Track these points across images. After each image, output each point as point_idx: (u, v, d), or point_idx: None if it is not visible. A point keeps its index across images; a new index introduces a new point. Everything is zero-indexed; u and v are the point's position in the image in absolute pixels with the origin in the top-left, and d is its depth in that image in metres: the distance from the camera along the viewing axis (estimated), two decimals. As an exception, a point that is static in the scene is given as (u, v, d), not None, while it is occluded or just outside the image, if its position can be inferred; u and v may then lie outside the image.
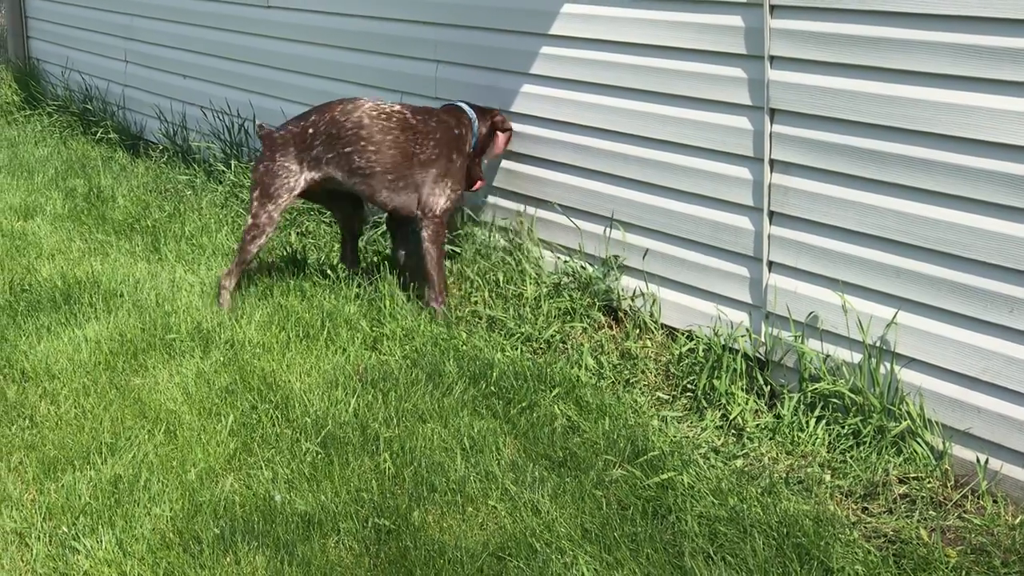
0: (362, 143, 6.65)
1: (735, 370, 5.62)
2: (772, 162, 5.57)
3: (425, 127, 6.75)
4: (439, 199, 6.70)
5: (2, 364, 6.09)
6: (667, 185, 6.14)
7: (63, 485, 4.89)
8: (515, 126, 6.95)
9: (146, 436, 5.27)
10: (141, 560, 4.36)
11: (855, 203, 5.25)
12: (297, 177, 6.71)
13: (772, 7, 5.44)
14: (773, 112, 5.53)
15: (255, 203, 6.75)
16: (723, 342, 5.78)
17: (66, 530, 4.57)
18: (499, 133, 6.94)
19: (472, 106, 6.92)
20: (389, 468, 4.95)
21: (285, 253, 7.57)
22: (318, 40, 8.72)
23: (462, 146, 6.80)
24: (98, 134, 11.54)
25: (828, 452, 5.10)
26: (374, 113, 6.72)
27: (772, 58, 5.49)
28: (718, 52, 5.76)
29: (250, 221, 6.76)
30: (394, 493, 4.78)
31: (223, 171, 9.35)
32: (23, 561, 4.42)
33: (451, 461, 5.01)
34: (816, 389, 5.32)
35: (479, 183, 6.98)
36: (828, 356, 5.42)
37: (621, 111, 6.32)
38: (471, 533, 4.52)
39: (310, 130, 6.70)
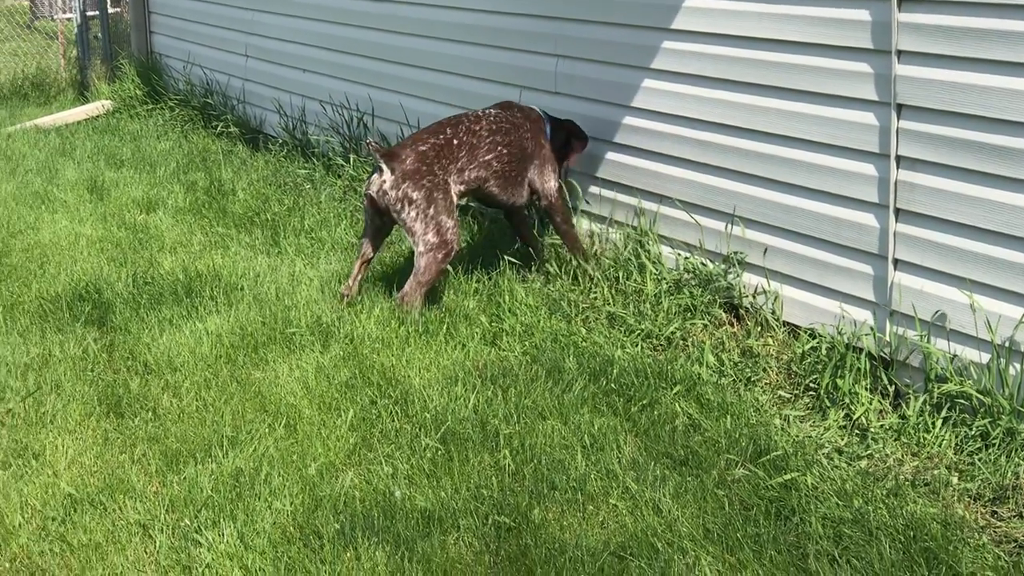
0: (498, 148, 6.77)
1: (859, 369, 5.54)
2: (899, 158, 5.48)
3: (519, 123, 6.95)
4: (550, 182, 7.00)
5: (126, 356, 6.15)
6: (789, 181, 6.07)
7: (185, 477, 4.92)
8: (636, 121, 6.92)
9: (267, 430, 5.30)
10: (262, 554, 4.38)
11: (984, 200, 5.15)
12: (454, 189, 6.65)
13: (900, 1, 5.36)
14: (900, 108, 5.44)
15: (434, 221, 6.44)
16: (846, 341, 5.70)
17: (188, 522, 4.61)
18: (575, 142, 7.20)
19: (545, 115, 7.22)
20: (509, 465, 4.94)
21: (403, 248, 7.57)
22: (437, 34, 8.73)
23: (543, 133, 7.10)
24: (218, 128, 11.65)
25: (955, 454, 5.01)
26: (492, 118, 6.86)
27: (900, 53, 5.40)
28: (843, 47, 5.68)
29: (434, 240, 6.43)
30: (514, 490, 4.76)
31: (342, 165, 9.40)
32: (146, 553, 4.45)
33: (571, 458, 4.98)
34: (943, 390, 5.23)
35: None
36: (955, 356, 5.32)
37: (743, 106, 6.25)
38: (592, 532, 4.49)
39: (454, 141, 6.67)
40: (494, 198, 6.95)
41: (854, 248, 5.77)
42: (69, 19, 16.36)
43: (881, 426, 5.26)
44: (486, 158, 6.76)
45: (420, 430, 5.25)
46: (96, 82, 14.52)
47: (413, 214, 6.43)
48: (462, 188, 6.70)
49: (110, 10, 15.29)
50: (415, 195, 6.43)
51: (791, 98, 5.98)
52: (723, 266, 6.43)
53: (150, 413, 5.53)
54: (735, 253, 6.38)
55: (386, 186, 6.47)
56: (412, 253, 6.52)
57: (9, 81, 15.41)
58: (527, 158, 6.95)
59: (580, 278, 6.85)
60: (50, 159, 10.87)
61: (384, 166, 6.49)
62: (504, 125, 6.88)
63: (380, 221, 6.71)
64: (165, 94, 13.12)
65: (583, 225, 7.34)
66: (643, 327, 6.25)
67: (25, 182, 9.94)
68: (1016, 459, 4.87)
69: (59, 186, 9.75)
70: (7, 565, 4.40)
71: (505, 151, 6.82)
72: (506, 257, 7.09)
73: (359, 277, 6.79)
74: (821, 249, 5.95)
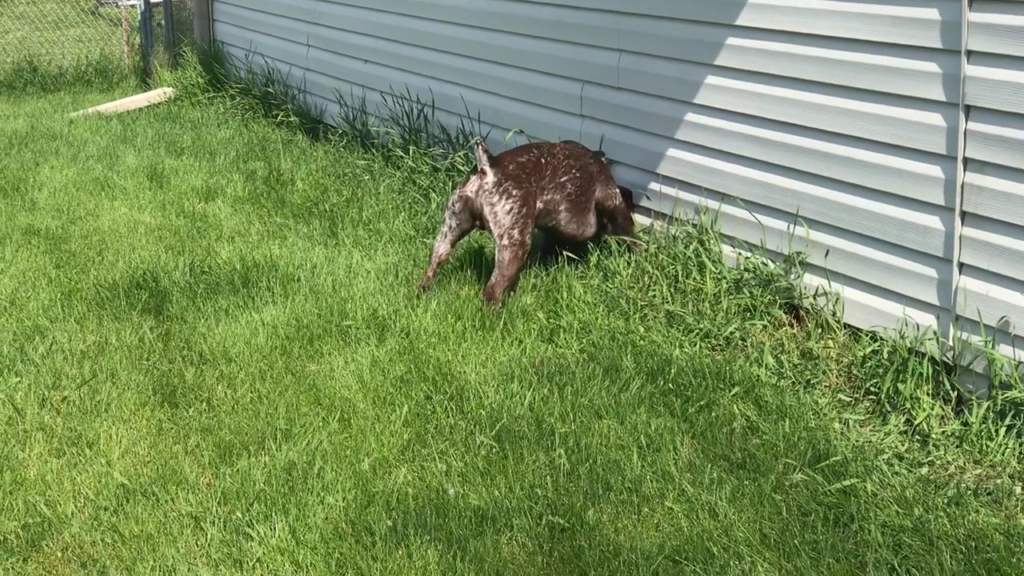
0: (572, 171, 7.00)
1: (921, 374, 5.45)
2: (966, 160, 5.39)
3: (583, 152, 7.23)
4: (615, 190, 7.30)
5: (181, 346, 6.15)
6: (853, 182, 5.99)
7: (238, 470, 4.91)
8: (699, 118, 6.86)
9: (320, 423, 5.28)
10: (313, 549, 4.35)
11: (1053, 205, 5.07)
12: (536, 201, 6.78)
13: (971, 0, 5.27)
14: (968, 109, 5.34)
15: (523, 220, 6.62)
16: (909, 344, 5.62)
17: (240, 516, 4.58)
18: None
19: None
20: (564, 464, 4.89)
21: (463, 243, 7.53)
22: (499, 27, 8.69)
23: (602, 163, 7.34)
24: (279, 117, 11.66)
25: (1019, 463, 4.92)
26: (564, 146, 7.13)
27: (969, 53, 5.30)
28: (910, 46, 5.59)
29: (519, 237, 6.58)
30: (568, 490, 4.71)
31: (401, 156, 9.37)
32: (198, 545, 4.43)
33: (627, 459, 4.93)
34: (1007, 397, 5.13)
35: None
36: (1020, 363, 5.23)
37: (807, 105, 6.17)
38: (646, 534, 4.44)
39: (542, 160, 6.87)
40: (560, 227, 7.04)
41: (918, 251, 5.68)
42: (133, 6, 16.44)
43: (943, 433, 5.18)
44: (562, 179, 6.95)
45: (475, 427, 5.21)
46: (158, 69, 14.57)
47: (507, 207, 6.60)
48: (541, 206, 6.82)
49: (174, -3, 15.35)
50: (515, 192, 6.64)
51: (857, 97, 5.89)
52: (784, 266, 6.35)
53: (204, 404, 5.52)
54: (797, 253, 6.30)
55: (488, 186, 6.64)
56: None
57: (73, 67, 15.50)
58: (593, 182, 7.12)
59: (639, 276, 6.79)
60: (111, 146, 10.91)
61: (488, 168, 6.66)
62: (575, 152, 7.11)
63: (467, 224, 6.82)
64: (226, 82, 13.16)
65: (647, 222, 7.28)
66: (702, 326, 6.19)
67: (86, 168, 9.98)
68: (1081, 470, 4.79)
69: (119, 173, 9.78)
70: (59, 554, 4.39)
71: (578, 175, 7.01)
72: (565, 253, 7.04)
73: (433, 280, 6.85)
74: (884, 251, 5.87)
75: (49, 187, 9.35)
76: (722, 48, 6.64)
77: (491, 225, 6.63)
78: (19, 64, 15.38)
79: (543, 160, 6.89)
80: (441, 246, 6.84)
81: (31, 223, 8.37)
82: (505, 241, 6.57)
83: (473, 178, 6.72)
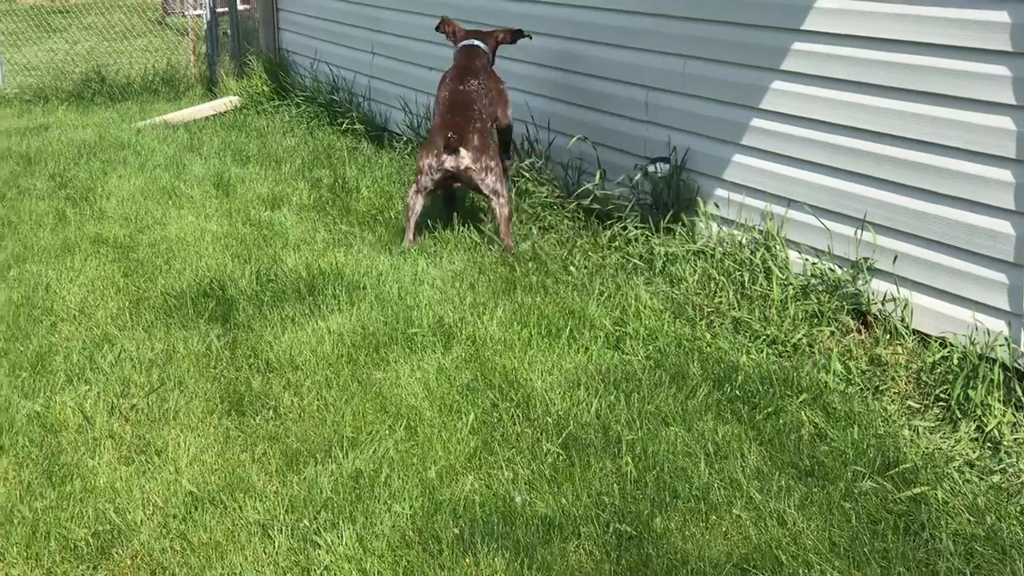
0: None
1: (992, 380, 5.39)
2: (1036, 164, 5.34)
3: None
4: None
5: (248, 354, 6.17)
6: (921, 186, 5.94)
7: (305, 478, 4.91)
8: (765, 123, 6.83)
9: (387, 431, 5.28)
10: (381, 558, 4.35)
11: None
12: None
13: (1041, 2, 5.22)
14: (1039, 112, 5.30)
15: (504, 179, 7.93)
16: (979, 351, 5.56)
17: (307, 524, 4.59)
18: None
19: (478, 35, 8.58)
20: (631, 472, 4.87)
21: (527, 248, 7.52)
22: (562, 33, 8.68)
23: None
24: (344, 124, 11.69)
25: (1092, 470, 4.87)
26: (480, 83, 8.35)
27: (1039, 56, 5.26)
28: (980, 49, 5.54)
29: (505, 194, 7.85)
30: (635, 498, 4.69)
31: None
32: (265, 553, 4.44)
33: (694, 466, 4.90)
34: (1080, 403, 5.08)
35: None
36: (1093, 369, 5.18)
37: (874, 109, 6.13)
38: (714, 543, 4.41)
39: (482, 116, 8.14)
40: None
41: (989, 256, 5.63)
42: (199, 16, 16.54)
43: (1015, 440, 5.12)
44: (487, 106, 8.17)
45: (541, 434, 5.20)
46: (224, 78, 14.67)
47: (492, 178, 7.80)
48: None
49: (240, 7, 15.45)
50: (492, 163, 7.84)
51: (926, 101, 5.84)
52: (851, 272, 6.31)
53: (271, 412, 5.54)
54: (864, 259, 6.26)
55: (467, 161, 7.79)
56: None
57: (140, 77, 15.63)
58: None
59: (705, 282, 6.76)
60: (178, 154, 10.99)
61: (462, 149, 7.80)
62: (481, 75, 8.28)
63: (444, 187, 8.13)
64: (292, 91, 13.22)
65: (712, 228, 7.24)
66: (768, 333, 6.15)
67: (153, 177, 10.05)
68: None
69: (186, 181, 9.85)
70: (128, 562, 4.42)
71: (486, 92, 8.24)
72: (633, 260, 7.03)
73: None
74: (954, 256, 5.82)
75: (117, 196, 9.43)
76: (788, 53, 6.61)
77: (484, 190, 7.86)
78: (88, 74, 15.53)
79: (476, 107, 8.05)
80: (420, 202, 7.97)
81: (99, 232, 8.44)
82: (502, 201, 7.79)
83: (448, 156, 7.81)
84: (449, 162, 7.79)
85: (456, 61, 8.44)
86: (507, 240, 7.71)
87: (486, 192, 7.82)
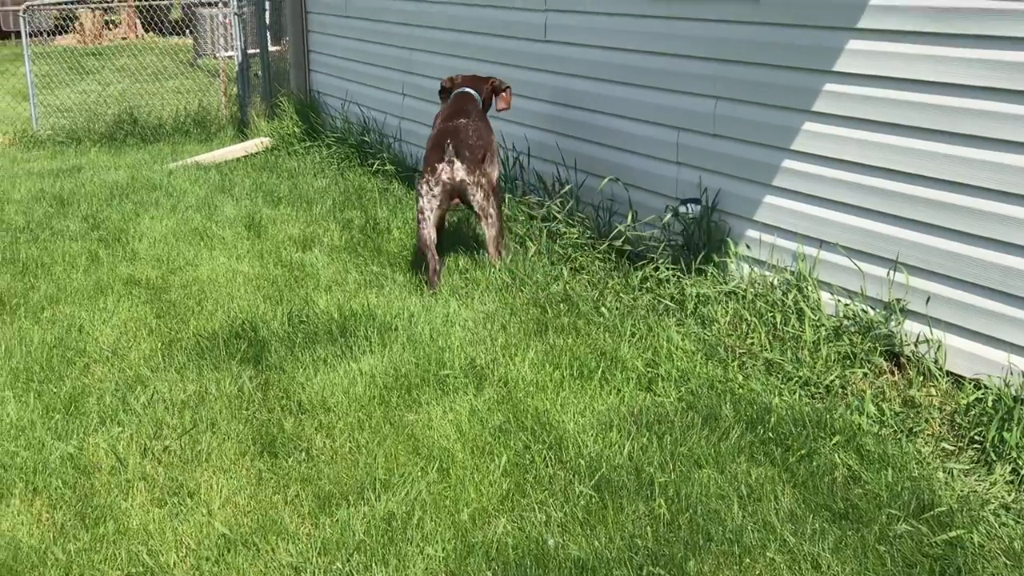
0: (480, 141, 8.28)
1: (1027, 423, 5.37)
2: (1070, 206, 5.33)
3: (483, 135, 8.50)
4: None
5: (280, 396, 6.18)
6: (954, 227, 5.93)
7: (338, 520, 4.91)
8: (796, 165, 6.82)
9: (419, 473, 5.28)
10: (414, 600, 4.35)
11: None
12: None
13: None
14: (1073, 154, 5.28)
15: (495, 197, 8.16)
16: (1014, 392, 5.53)
17: (340, 566, 4.59)
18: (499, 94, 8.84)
19: (473, 81, 8.88)
20: (664, 514, 4.85)
21: (558, 290, 7.52)
22: (595, 75, 8.70)
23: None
24: (375, 166, 11.72)
25: None
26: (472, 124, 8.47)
27: (1073, 97, 5.25)
28: (1013, 90, 5.53)
29: (495, 212, 8.12)
30: (669, 541, 4.68)
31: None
32: (299, 596, 4.45)
33: (727, 509, 4.88)
34: (1116, 446, 5.05)
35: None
36: None
37: (906, 150, 6.12)
38: (749, 586, 4.39)
39: (470, 137, 8.28)
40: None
41: (1023, 297, 5.60)
42: (231, 57, 16.64)
43: (1050, 483, 5.09)
44: (477, 143, 8.24)
45: (574, 476, 5.19)
46: (255, 119, 14.73)
47: (482, 195, 8.04)
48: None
49: (271, 48, 15.52)
50: (483, 180, 8.04)
51: (959, 143, 5.83)
52: (884, 313, 6.29)
53: (303, 453, 5.54)
54: (897, 300, 6.24)
55: (462, 173, 7.98)
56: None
57: (172, 118, 15.70)
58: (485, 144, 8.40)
59: (736, 323, 6.74)
60: (209, 195, 11.03)
61: (457, 160, 7.96)
62: (476, 120, 8.42)
63: (446, 206, 8.13)
64: (323, 131, 13.27)
65: (744, 270, 7.23)
66: (801, 374, 6.13)
67: (185, 218, 10.09)
68: None
69: (218, 223, 9.88)
70: (161, 604, 4.42)
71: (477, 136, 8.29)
72: (665, 301, 7.02)
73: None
74: (988, 298, 5.79)
75: (149, 237, 9.47)
76: (820, 94, 6.61)
77: (475, 207, 8.08)
78: (120, 116, 15.62)
79: (472, 136, 8.19)
80: (434, 234, 8.02)
81: (132, 273, 8.47)
82: (493, 218, 8.11)
83: (444, 167, 7.97)
84: (446, 173, 7.97)
85: (447, 105, 8.73)
86: (495, 260, 8.13)
87: (476, 208, 8.07)
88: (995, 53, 5.60)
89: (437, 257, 7.89)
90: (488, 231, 8.11)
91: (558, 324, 6.87)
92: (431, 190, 7.93)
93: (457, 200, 8.07)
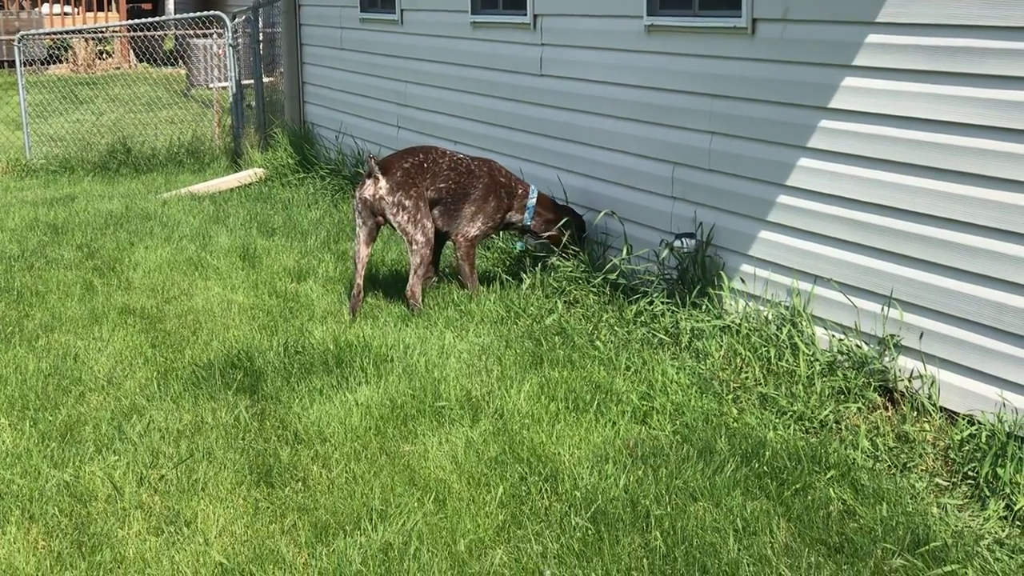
0: (448, 181, 8.20)
1: (1020, 458, 5.39)
2: (1065, 243, 5.36)
3: (479, 174, 8.35)
4: (472, 230, 8.39)
5: (276, 426, 6.19)
6: (948, 264, 5.97)
7: (334, 550, 4.92)
8: (791, 200, 6.86)
9: (416, 504, 5.29)
10: (411, 631, 4.35)
11: None
12: (423, 202, 8.10)
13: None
14: (1067, 192, 5.32)
15: (420, 224, 7.99)
16: (1007, 428, 5.56)
17: (337, 596, 4.60)
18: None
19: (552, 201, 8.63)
20: (660, 547, 4.87)
21: (553, 322, 7.54)
22: (590, 109, 8.74)
23: (502, 193, 8.41)
24: (369, 198, 11.72)
25: (1122, 550, 4.85)
26: (456, 159, 8.35)
27: (1068, 136, 5.29)
28: (1008, 129, 5.58)
29: (422, 239, 7.98)
30: (665, 573, 4.69)
31: (493, 238, 9.41)
32: (296, 625, 4.45)
33: (723, 542, 4.90)
34: (1110, 483, 5.07)
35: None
36: (1122, 448, 5.17)
37: (903, 187, 6.16)
38: (745, 619, 4.41)
39: (425, 164, 8.14)
40: (436, 220, 8.23)
41: (1017, 334, 5.64)
42: (224, 87, 16.67)
43: (1044, 518, 5.11)
44: (440, 184, 8.13)
45: (570, 508, 5.20)
46: (249, 150, 14.76)
47: (405, 218, 7.95)
48: (430, 196, 8.14)
49: (265, 79, 15.56)
50: (407, 203, 7.94)
51: (954, 180, 5.88)
52: (878, 349, 6.32)
53: (300, 483, 5.55)
54: (891, 336, 6.27)
55: (382, 192, 7.94)
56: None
57: (165, 148, 15.72)
58: (467, 201, 8.28)
59: (731, 358, 6.78)
60: (204, 226, 11.05)
61: (380, 175, 7.92)
62: (462, 168, 8.25)
63: (372, 223, 8.09)
64: (317, 163, 13.31)
65: (738, 304, 7.26)
66: (795, 409, 6.16)
67: (179, 248, 10.10)
68: None
69: (212, 253, 9.90)
70: (158, 633, 4.43)
71: (454, 186, 8.18)
72: (659, 335, 7.04)
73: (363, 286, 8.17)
74: (981, 334, 5.83)
75: (144, 267, 9.48)
76: (815, 130, 6.65)
77: (398, 231, 8.02)
78: (113, 145, 15.64)
79: (425, 165, 8.07)
80: (364, 250, 8.10)
81: (127, 302, 8.48)
82: (414, 247, 7.97)
83: (369, 183, 7.97)
84: (368, 190, 8.00)
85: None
86: (410, 291, 8.01)
87: (398, 230, 8.06)
88: (989, 92, 5.64)
89: (361, 283, 8.10)
90: (410, 257, 8.09)
91: (553, 357, 6.90)
92: (355, 210, 8.09)
93: (380, 219, 8.08)
